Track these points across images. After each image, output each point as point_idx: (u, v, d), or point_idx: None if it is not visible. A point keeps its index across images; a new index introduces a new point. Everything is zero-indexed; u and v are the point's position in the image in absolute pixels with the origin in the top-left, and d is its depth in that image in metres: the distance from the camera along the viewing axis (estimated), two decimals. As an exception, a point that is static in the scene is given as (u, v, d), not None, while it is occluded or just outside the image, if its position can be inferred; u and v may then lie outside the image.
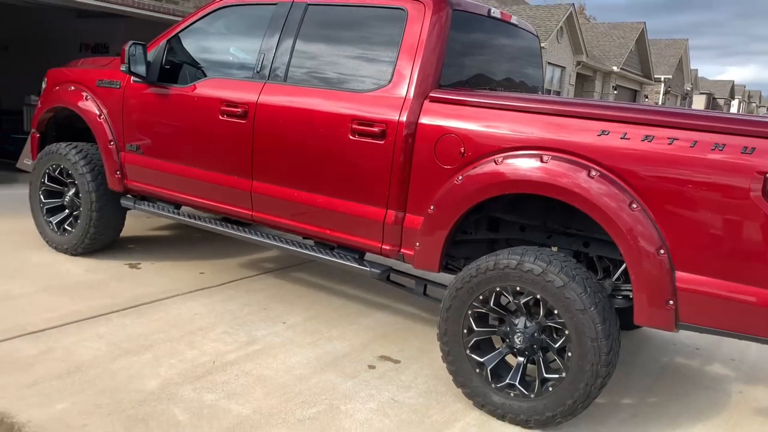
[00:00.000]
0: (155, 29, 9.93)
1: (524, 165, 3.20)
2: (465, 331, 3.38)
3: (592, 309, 3.02)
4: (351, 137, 3.73)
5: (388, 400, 3.44)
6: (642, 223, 2.95)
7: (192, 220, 4.64)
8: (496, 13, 4.18)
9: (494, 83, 4.27)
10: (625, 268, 3.24)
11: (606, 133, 3.06)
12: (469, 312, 3.36)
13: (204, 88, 4.36)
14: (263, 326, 4.24)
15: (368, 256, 4.13)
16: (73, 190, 5.19)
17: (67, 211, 5.28)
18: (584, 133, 3.10)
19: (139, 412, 3.08)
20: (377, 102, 3.67)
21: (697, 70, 60.45)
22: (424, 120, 3.53)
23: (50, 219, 5.31)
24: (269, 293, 4.88)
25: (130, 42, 4.44)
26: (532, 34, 4.77)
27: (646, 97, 42.02)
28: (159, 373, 3.48)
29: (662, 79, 43.01)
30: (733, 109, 70.40)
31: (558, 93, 27.51)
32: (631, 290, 3.32)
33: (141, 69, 4.49)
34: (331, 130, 3.81)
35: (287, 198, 4.06)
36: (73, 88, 5.09)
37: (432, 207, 3.51)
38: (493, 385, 3.33)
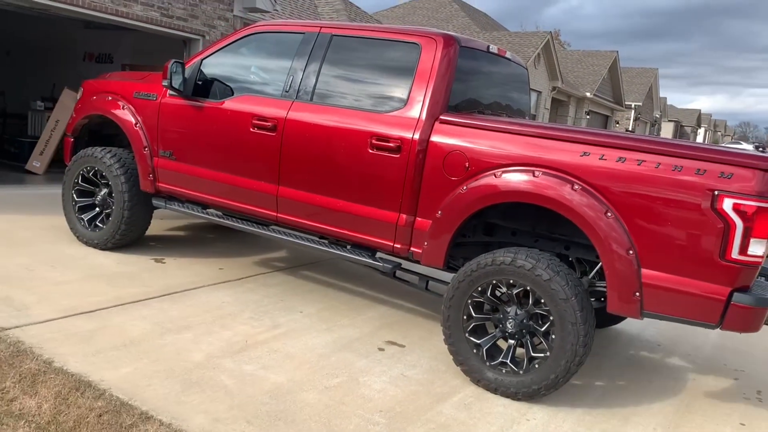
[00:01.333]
0: (161, 43, 10.53)
1: (519, 179, 3.86)
2: (465, 317, 4.01)
3: (572, 299, 3.67)
4: (370, 151, 4.36)
5: (398, 375, 4.04)
6: (615, 229, 3.62)
7: (220, 220, 5.21)
8: (493, 49, 4.87)
9: (491, 108, 4.94)
10: (600, 267, 3.92)
11: (587, 154, 3.73)
12: (469, 301, 3.99)
13: (236, 104, 4.96)
14: (283, 314, 4.82)
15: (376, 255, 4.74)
16: (104, 191, 5.72)
17: (97, 209, 5.81)
18: (569, 154, 3.77)
19: (192, 376, 3.64)
20: (394, 122, 4.31)
21: (665, 98, 62.47)
22: (435, 138, 4.18)
23: (82, 216, 5.82)
24: (284, 287, 5.45)
25: (172, 61, 5.02)
26: (522, 67, 5.47)
27: (617, 123, 43.41)
28: (201, 348, 4.04)
29: (632, 106, 44.51)
30: (699, 138, 72.69)
31: (534, 116, 28.51)
32: (604, 287, 4.01)
33: (180, 84, 5.07)
34: (353, 144, 4.44)
35: (310, 202, 4.67)
36: (110, 98, 5.64)
37: (439, 212, 4.14)
38: (487, 363, 3.95)
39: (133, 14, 8.78)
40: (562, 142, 3.83)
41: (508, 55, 5.13)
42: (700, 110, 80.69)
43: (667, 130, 58.45)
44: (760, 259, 3.41)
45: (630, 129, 42.95)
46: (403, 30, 4.58)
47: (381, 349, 4.42)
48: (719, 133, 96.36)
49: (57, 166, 9.54)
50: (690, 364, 5.02)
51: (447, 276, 4.72)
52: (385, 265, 4.51)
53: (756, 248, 3.37)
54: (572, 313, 3.67)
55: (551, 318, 3.74)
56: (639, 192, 3.59)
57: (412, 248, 4.35)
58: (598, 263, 4.03)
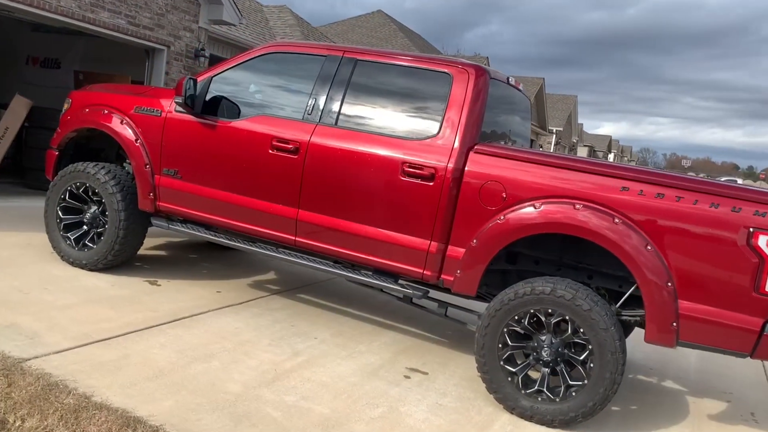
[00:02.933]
0: (115, 50, 10.12)
1: (560, 210, 3.97)
2: (500, 345, 4.06)
3: (612, 328, 3.80)
4: (401, 178, 4.37)
5: (434, 404, 4.04)
6: (655, 261, 3.78)
7: (228, 242, 5.05)
8: (512, 81, 5.00)
9: (503, 136, 5.05)
10: (628, 296, 4.08)
11: (626, 189, 3.88)
12: (505, 330, 4.05)
13: (253, 124, 4.84)
14: (299, 340, 4.71)
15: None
16: (94, 208, 5.43)
17: (85, 227, 5.50)
18: (609, 188, 3.91)
19: (238, 409, 3.51)
20: (427, 149, 4.34)
21: (582, 123, 65.64)
22: (471, 167, 4.24)
23: (67, 234, 5.49)
24: (289, 312, 5.33)
25: (188, 77, 4.85)
26: (526, 97, 5.64)
27: (541, 147, 45.15)
28: (233, 377, 3.90)
29: (554, 131, 46.43)
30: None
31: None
32: (630, 316, 4.17)
33: (192, 102, 4.90)
34: (383, 170, 4.43)
35: (334, 226, 4.60)
36: (106, 111, 5.37)
37: (475, 240, 4.19)
38: (522, 392, 4.01)
39: (100, 21, 8.42)
40: (603, 176, 3.97)
41: (520, 86, 5.27)
42: (611, 136, 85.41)
43: (581, 155, 61.29)
44: (791, 293, 3.65)
45: (551, 151, 44.63)
46: (432, 59, 4.63)
47: (407, 377, 4.40)
48: (626, 158, 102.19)
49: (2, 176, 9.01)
50: (684, 388, 5.26)
51: (465, 302, 4.79)
52: (414, 292, 4.50)
53: (789, 282, 3.61)
54: (612, 342, 3.79)
55: (590, 347, 3.85)
56: (677, 227, 3.77)
57: (442, 276, 4.37)
58: (624, 293, 4.19)
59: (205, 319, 4.83)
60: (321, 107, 4.71)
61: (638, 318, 4.21)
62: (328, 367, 4.31)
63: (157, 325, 4.51)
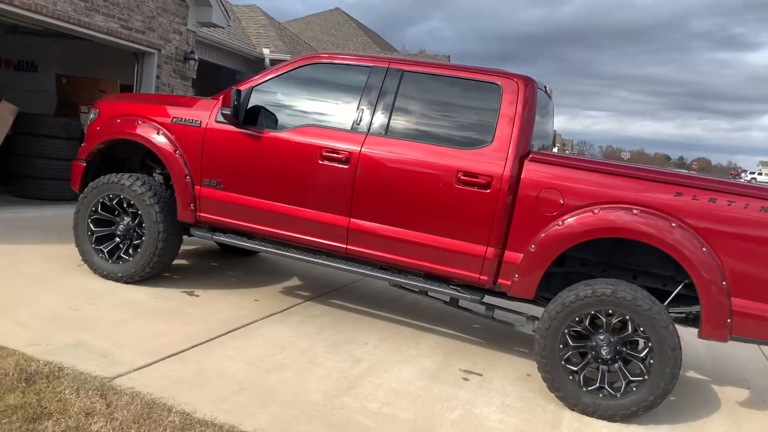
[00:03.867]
0: (95, 52, 9.89)
1: (619, 215, 4.17)
2: (561, 346, 4.25)
3: (671, 326, 4.03)
4: (456, 186, 4.50)
5: (501, 404, 4.19)
6: (710, 262, 4.03)
7: (276, 251, 5.07)
8: (548, 89, 5.18)
9: (542, 140, 5.23)
10: (675, 295, 4.32)
11: (681, 194, 4.12)
12: (566, 331, 4.24)
13: (301, 135, 4.88)
14: (353, 347, 4.79)
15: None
16: (128, 220, 5.36)
17: (117, 239, 5.42)
18: (664, 194, 4.14)
19: (332, 419, 3.58)
20: (482, 158, 4.48)
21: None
22: (527, 175, 4.40)
23: (100, 247, 5.41)
24: (330, 318, 5.40)
25: (234, 89, 4.84)
26: (551, 101, 5.84)
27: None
28: (311, 387, 3.96)
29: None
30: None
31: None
32: (678, 313, 4.41)
33: (238, 113, 4.90)
34: (437, 178, 4.55)
35: (387, 234, 4.70)
36: (141, 122, 5.30)
37: (533, 246, 4.36)
38: (584, 389, 4.21)
39: (95, 25, 8.22)
40: (657, 183, 4.19)
41: (549, 90, 5.46)
42: (555, 130, 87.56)
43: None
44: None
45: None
46: (479, 69, 4.76)
47: (465, 379, 4.54)
48: (567, 151, 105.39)
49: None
50: (705, 377, 5.57)
51: (509, 304, 4.97)
52: (473, 297, 4.64)
53: (836, 279, 3.91)
54: (672, 340, 4.02)
55: (650, 344, 4.07)
56: (729, 229, 4.03)
57: (499, 280, 4.52)
58: (667, 291, 4.44)
59: (256, 329, 4.85)
60: (370, 117, 4.79)
61: (684, 315, 4.46)
62: (392, 373, 4.41)
63: (215, 338, 4.52)
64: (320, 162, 4.80)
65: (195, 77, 10.38)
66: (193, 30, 10.15)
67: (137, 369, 3.80)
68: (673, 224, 4.09)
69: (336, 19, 29.19)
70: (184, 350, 4.20)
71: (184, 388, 3.65)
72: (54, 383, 3.43)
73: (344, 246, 4.85)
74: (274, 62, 13.79)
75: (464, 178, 4.48)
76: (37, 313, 4.44)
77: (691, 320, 4.59)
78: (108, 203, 5.37)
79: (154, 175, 5.69)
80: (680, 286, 4.37)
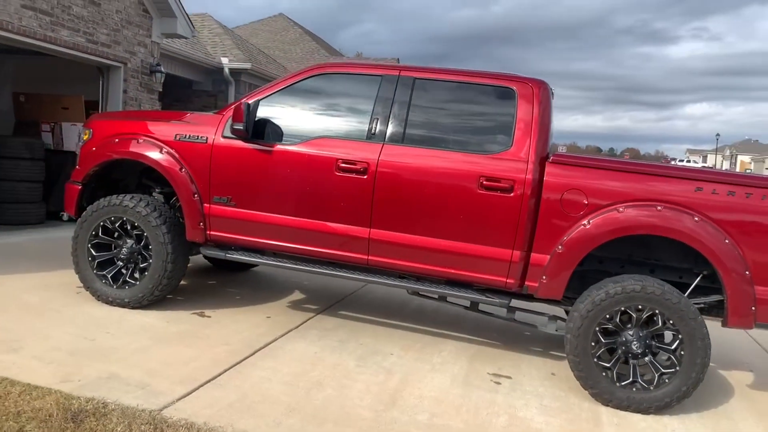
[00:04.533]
0: (51, 69, 9.52)
1: (644, 213, 4.27)
2: (593, 343, 4.32)
3: (699, 318, 4.16)
4: (479, 191, 4.51)
5: (540, 406, 4.23)
6: (733, 253, 4.17)
7: (299, 267, 4.98)
8: (554, 90, 5.26)
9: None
10: (695, 286, 4.45)
11: (701, 189, 4.25)
12: (597, 328, 4.31)
13: (315, 147, 4.80)
14: (380, 358, 4.75)
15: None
16: (131, 243, 5.16)
17: (120, 263, 5.21)
18: (685, 190, 4.26)
19: (388, 434, 3.53)
20: (503, 163, 4.51)
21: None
22: (549, 177, 4.45)
23: (103, 273, 5.19)
24: (346, 330, 5.33)
25: (245, 103, 4.72)
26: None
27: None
28: (356, 403, 3.90)
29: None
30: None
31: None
32: (697, 303, 4.55)
33: (247, 128, 4.78)
34: (459, 184, 4.55)
35: (409, 243, 4.67)
36: (142, 140, 5.11)
37: (560, 246, 4.41)
38: (617, 384, 4.29)
39: (61, 40, 7.89)
40: (678, 179, 4.31)
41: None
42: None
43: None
44: None
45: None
46: (492, 74, 4.79)
47: (497, 383, 4.56)
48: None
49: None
50: (712, 363, 5.76)
51: (525, 305, 5.02)
52: (502, 301, 4.67)
53: None
54: (701, 330, 4.15)
55: (680, 336, 4.19)
56: (749, 220, 4.19)
57: (527, 282, 4.56)
58: (688, 284, 4.57)
59: (280, 347, 4.75)
60: (385, 126, 4.75)
61: (704, 305, 4.60)
62: (426, 382, 4.39)
63: (244, 359, 4.40)
64: (337, 174, 4.73)
65: (161, 90, 10.09)
66: (158, 42, 9.86)
67: (180, 398, 3.66)
68: (696, 218, 4.21)
69: (281, 25, 28.88)
70: (218, 375, 4.07)
71: (234, 414, 3.54)
72: (103, 421, 3.26)
73: (365, 257, 4.80)
74: (233, 71, 13.55)
75: (487, 183, 4.50)
76: (54, 347, 4.22)
77: (706, 310, 4.73)
78: (110, 226, 5.15)
79: (153, 194, 5.50)
80: (699, 278, 4.51)
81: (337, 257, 4.88)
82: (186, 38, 10.63)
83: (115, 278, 5.20)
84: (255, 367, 4.30)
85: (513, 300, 4.85)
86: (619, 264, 4.84)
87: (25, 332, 4.42)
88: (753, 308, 4.19)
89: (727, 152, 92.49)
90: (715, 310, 4.65)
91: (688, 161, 74.93)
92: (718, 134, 72.88)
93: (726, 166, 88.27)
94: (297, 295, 6.33)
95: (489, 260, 4.57)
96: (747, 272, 4.17)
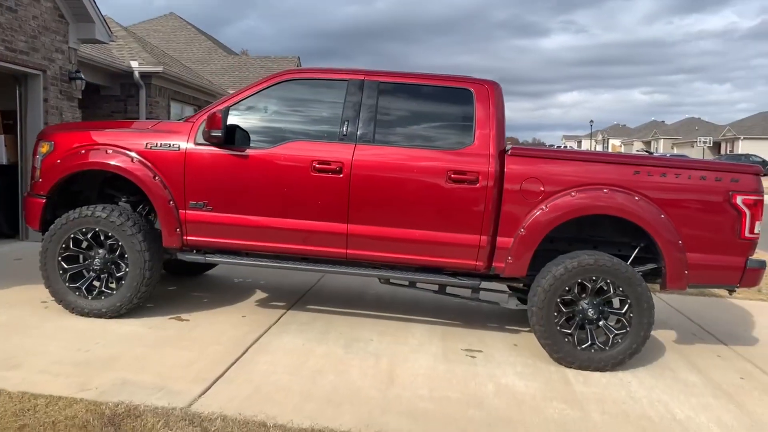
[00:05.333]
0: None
1: (594, 196, 4.86)
2: (555, 314, 4.88)
3: (644, 284, 4.82)
4: (448, 184, 4.95)
5: (516, 372, 4.74)
6: (668, 226, 4.85)
7: (280, 265, 5.21)
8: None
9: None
10: (633, 258, 5.12)
11: (638, 173, 4.90)
12: (558, 300, 4.87)
13: (289, 150, 5.05)
14: (362, 344, 5.08)
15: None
16: (103, 252, 5.19)
17: (92, 274, 5.23)
18: (626, 174, 4.90)
19: (400, 408, 3.90)
20: (467, 158, 4.97)
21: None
22: (509, 169, 4.95)
23: (76, 285, 5.19)
24: (321, 322, 5.62)
25: (222, 109, 4.89)
26: None
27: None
28: (359, 385, 4.23)
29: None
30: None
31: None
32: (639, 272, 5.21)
33: (224, 134, 4.95)
34: (428, 179, 4.97)
35: (385, 235, 5.04)
36: (111, 151, 5.14)
37: (522, 230, 4.94)
38: (578, 348, 4.88)
39: (-20, 49, 7.56)
40: (618, 165, 4.95)
41: None
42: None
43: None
44: (758, 236, 4.95)
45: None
46: (449, 77, 5.23)
47: (473, 357, 5.03)
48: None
49: None
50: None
51: (494, 285, 5.53)
52: (473, 282, 5.13)
53: (757, 228, 4.90)
54: (646, 294, 4.81)
55: (629, 301, 4.83)
56: (679, 197, 4.88)
57: (494, 264, 5.05)
58: (627, 256, 5.22)
59: (268, 342, 4.97)
60: (355, 128, 5.08)
61: (640, 273, 5.28)
62: (412, 362, 4.78)
63: (240, 356, 4.60)
64: (313, 174, 5.01)
65: (80, 97, 9.79)
66: (75, 48, 9.56)
67: (200, 395, 3.85)
68: (636, 198, 4.86)
69: (174, 24, 28.08)
70: (224, 372, 4.27)
71: (257, 404, 3.78)
72: (140, 421, 3.42)
73: (344, 251, 5.11)
74: (144, 75, 13.21)
75: (454, 176, 4.94)
76: (54, 360, 4.25)
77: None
78: (81, 238, 5.16)
79: (119, 203, 5.52)
80: (636, 250, 5.17)
81: (317, 253, 5.16)
82: (105, 43, 10.34)
83: (89, 289, 5.21)
84: (254, 362, 4.52)
85: (472, 280, 5.33)
86: (567, 242, 5.43)
87: (15, 350, 4.40)
88: (686, 272, 4.90)
89: (600, 137, 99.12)
90: (649, 277, 5.33)
91: (565, 147, 79.47)
92: (591, 120, 77.88)
93: (599, 149, 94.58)
94: (260, 294, 6.53)
95: (460, 246, 5.02)
96: (680, 242, 4.87)
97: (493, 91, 5.12)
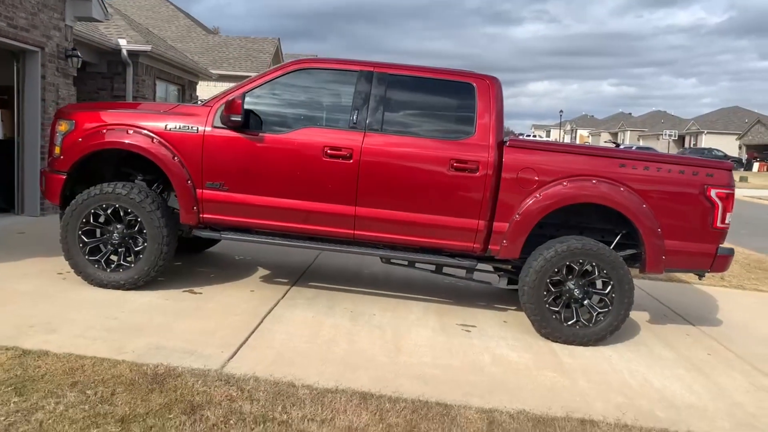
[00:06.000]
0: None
1: (583, 186, 5.32)
2: (545, 292, 5.34)
3: (626, 267, 5.31)
4: (450, 171, 5.35)
5: (508, 345, 5.20)
6: (649, 215, 5.33)
7: (282, 242, 5.57)
8: None
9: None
10: (615, 243, 5.60)
11: (624, 165, 5.37)
12: (548, 280, 5.34)
13: (303, 135, 5.39)
14: (367, 318, 5.48)
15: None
16: (120, 227, 5.48)
17: (110, 248, 5.52)
18: (613, 166, 5.36)
19: (410, 373, 4.32)
20: (469, 147, 5.37)
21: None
22: (507, 159, 5.37)
23: (96, 258, 5.48)
24: (325, 297, 5.99)
25: (241, 95, 5.20)
26: None
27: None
28: (370, 353, 4.63)
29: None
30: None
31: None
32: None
33: (247, 119, 5.28)
34: (432, 166, 5.36)
35: (390, 218, 5.42)
36: (132, 131, 5.41)
37: (517, 215, 5.37)
38: (564, 324, 5.36)
39: (-17, 25, 7.68)
40: (606, 158, 5.41)
41: None
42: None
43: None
44: (729, 226, 5.47)
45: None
46: (453, 71, 5.61)
47: (468, 331, 5.47)
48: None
49: None
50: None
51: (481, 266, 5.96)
52: (470, 263, 5.56)
53: (728, 219, 5.42)
54: (627, 277, 5.30)
55: (611, 282, 5.31)
56: (660, 188, 5.37)
57: (490, 247, 5.48)
58: (609, 241, 5.70)
59: (281, 314, 5.33)
60: (365, 117, 5.43)
61: (622, 257, 5.77)
62: (414, 334, 5.20)
63: (258, 326, 4.97)
64: (324, 159, 5.36)
65: (76, 75, 9.91)
66: (71, 25, 9.65)
67: (229, 359, 4.22)
68: (622, 189, 5.33)
69: (152, 3, 27.84)
70: (246, 339, 4.64)
71: (283, 368, 4.15)
72: (180, 380, 3.77)
73: (352, 232, 5.49)
74: (131, 53, 13.28)
75: (456, 164, 5.35)
76: (88, 326, 4.56)
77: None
78: (101, 213, 5.43)
79: (135, 181, 5.80)
80: (618, 237, 5.65)
81: (325, 233, 5.53)
82: (100, 21, 10.46)
83: (108, 262, 5.50)
84: (271, 331, 4.89)
85: (469, 261, 5.76)
86: (555, 228, 5.89)
87: (47, 317, 4.68)
88: (663, 257, 5.40)
89: (568, 127, 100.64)
90: (629, 261, 5.82)
91: (534, 136, 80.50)
92: (561, 111, 78.97)
93: (567, 139, 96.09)
94: (263, 272, 6.86)
95: (459, 229, 5.44)
96: (659, 229, 5.36)
97: (493, 86, 5.52)
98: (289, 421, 3.48)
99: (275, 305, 5.58)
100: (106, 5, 10.17)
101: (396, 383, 4.12)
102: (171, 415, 3.39)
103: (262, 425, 3.39)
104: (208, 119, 5.44)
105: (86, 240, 5.48)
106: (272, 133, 5.43)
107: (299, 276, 6.78)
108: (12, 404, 3.33)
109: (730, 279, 8.99)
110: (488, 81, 5.54)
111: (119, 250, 5.53)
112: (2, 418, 3.18)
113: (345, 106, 5.51)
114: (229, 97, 5.33)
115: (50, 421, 3.20)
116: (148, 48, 13.49)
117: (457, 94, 5.57)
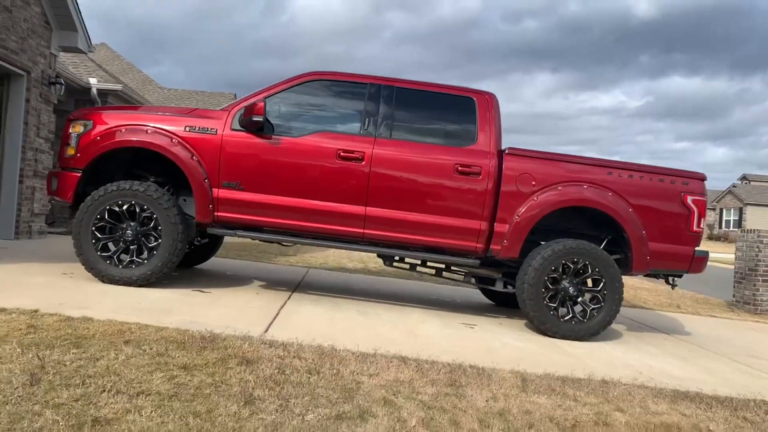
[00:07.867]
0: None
1: (576, 190, 5.80)
2: (543, 290, 5.72)
3: (615, 266, 5.76)
4: (455, 175, 5.75)
5: (514, 337, 5.51)
6: (634, 219, 5.84)
7: (302, 241, 5.79)
8: None
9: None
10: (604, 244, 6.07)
11: (611, 173, 5.90)
12: (546, 278, 5.72)
13: (318, 139, 5.71)
14: (375, 315, 5.69)
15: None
16: (134, 224, 5.57)
17: (121, 245, 5.59)
18: (601, 173, 5.88)
19: (434, 351, 4.55)
20: (472, 153, 5.81)
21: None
22: (507, 165, 5.82)
23: (108, 254, 5.53)
24: (328, 301, 6.18)
25: (263, 99, 5.50)
26: None
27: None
28: (389, 336, 4.85)
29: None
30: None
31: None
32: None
33: (266, 122, 5.58)
34: (439, 171, 5.75)
35: (399, 218, 5.74)
36: (150, 131, 5.60)
37: (517, 217, 5.78)
38: (561, 320, 5.72)
39: (-21, 43, 7.76)
40: (594, 166, 5.93)
41: None
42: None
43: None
44: (703, 230, 6.03)
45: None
46: (456, 87, 6.09)
47: (471, 327, 5.75)
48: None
49: None
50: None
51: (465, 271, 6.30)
52: (474, 260, 5.89)
53: (702, 223, 5.99)
54: (618, 275, 5.75)
55: (604, 280, 5.74)
56: (643, 195, 5.91)
57: (491, 246, 5.85)
58: (601, 243, 6.15)
59: (294, 309, 5.48)
60: (375, 124, 5.82)
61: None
62: (423, 327, 5.45)
63: (277, 315, 5.12)
64: (337, 161, 5.68)
65: (56, 102, 9.95)
66: (55, 54, 9.78)
67: (264, 332, 4.36)
68: (610, 194, 5.84)
69: (106, 54, 27.85)
70: (271, 322, 4.79)
71: (316, 339, 4.31)
72: (228, 341, 3.90)
73: (362, 231, 5.76)
74: (101, 92, 13.37)
75: (461, 169, 5.76)
76: (117, 306, 4.63)
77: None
78: (117, 209, 5.53)
79: (148, 182, 5.93)
80: (605, 242, 6.13)
81: (336, 232, 5.78)
82: (84, 53, 10.60)
83: (120, 259, 5.56)
84: (291, 319, 5.04)
85: (472, 260, 6.10)
86: (544, 234, 6.32)
87: (72, 300, 4.70)
88: (648, 258, 5.89)
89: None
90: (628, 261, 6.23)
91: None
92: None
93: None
94: (259, 282, 6.97)
95: (463, 230, 5.79)
96: (644, 232, 5.86)
97: (492, 101, 6.03)
98: (341, 374, 3.65)
99: (285, 303, 5.73)
100: (90, 39, 10.35)
101: (429, 352, 4.35)
102: (230, 365, 3.52)
103: (317, 375, 3.56)
104: (227, 122, 5.70)
105: (99, 236, 5.54)
106: (288, 136, 5.73)
107: (296, 286, 6.94)
108: (72, 353, 3.39)
109: (686, 308, 9.64)
110: (487, 96, 6.05)
111: (131, 247, 5.60)
112: (69, 363, 3.24)
113: (357, 115, 5.89)
114: (251, 101, 5.62)
115: (115, 365, 3.28)
116: (119, 87, 13.62)
117: (460, 107, 6.04)
